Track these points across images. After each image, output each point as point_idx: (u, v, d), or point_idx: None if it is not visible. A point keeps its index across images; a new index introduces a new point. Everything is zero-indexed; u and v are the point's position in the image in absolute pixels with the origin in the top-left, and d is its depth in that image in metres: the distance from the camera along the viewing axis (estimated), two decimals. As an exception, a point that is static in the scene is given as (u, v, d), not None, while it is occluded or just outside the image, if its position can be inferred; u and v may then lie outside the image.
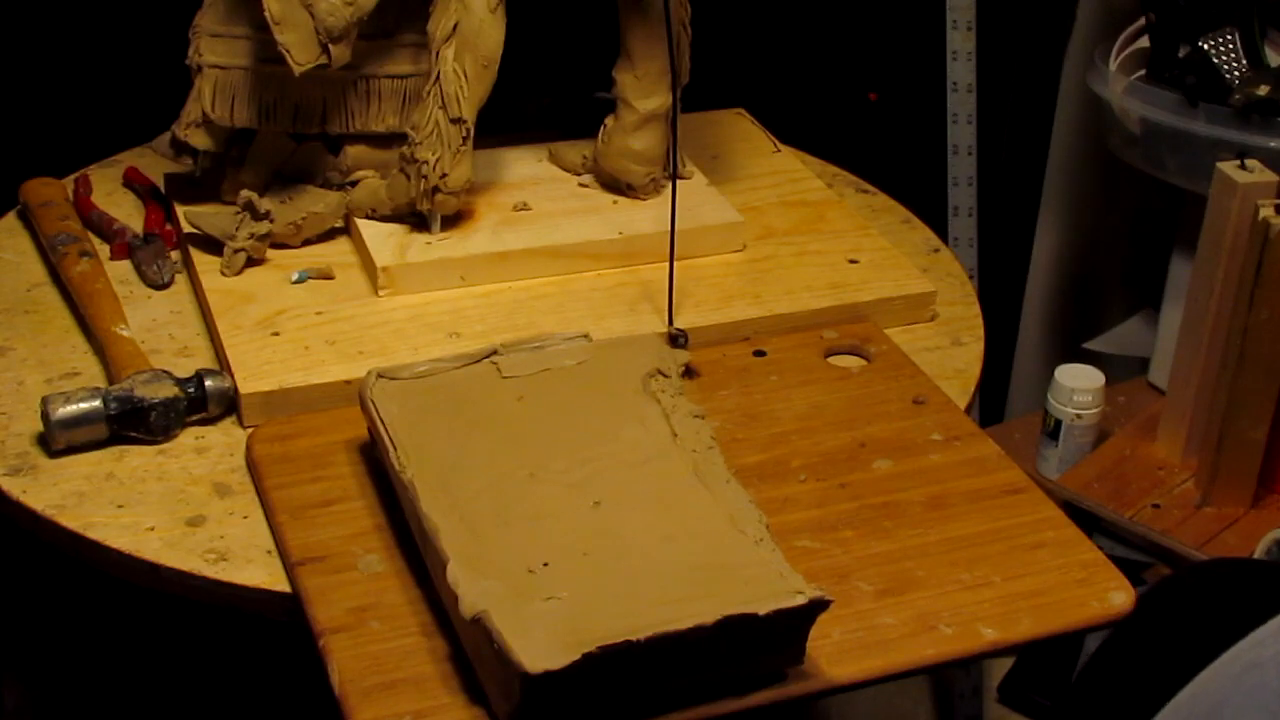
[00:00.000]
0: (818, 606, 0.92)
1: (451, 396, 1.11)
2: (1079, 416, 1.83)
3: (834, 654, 0.97)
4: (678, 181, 1.34)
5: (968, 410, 1.26)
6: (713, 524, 1.00)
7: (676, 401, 1.12)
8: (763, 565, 0.96)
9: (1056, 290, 2.31)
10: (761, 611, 0.90)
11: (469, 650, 0.95)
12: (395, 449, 1.05)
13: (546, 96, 1.62)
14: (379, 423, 1.08)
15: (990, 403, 2.32)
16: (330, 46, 1.30)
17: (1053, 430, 1.84)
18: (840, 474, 1.15)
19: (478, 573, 0.93)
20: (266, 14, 1.27)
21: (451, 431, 1.08)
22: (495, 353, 1.15)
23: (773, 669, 0.96)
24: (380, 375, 1.12)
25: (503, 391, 1.12)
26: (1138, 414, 1.88)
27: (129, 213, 1.48)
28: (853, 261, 1.43)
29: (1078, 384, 1.83)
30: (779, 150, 1.65)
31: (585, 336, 1.18)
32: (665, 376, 1.15)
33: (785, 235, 1.47)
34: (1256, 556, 1.61)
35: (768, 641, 0.94)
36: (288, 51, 1.29)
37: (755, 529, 0.99)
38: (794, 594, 0.92)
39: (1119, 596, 1.04)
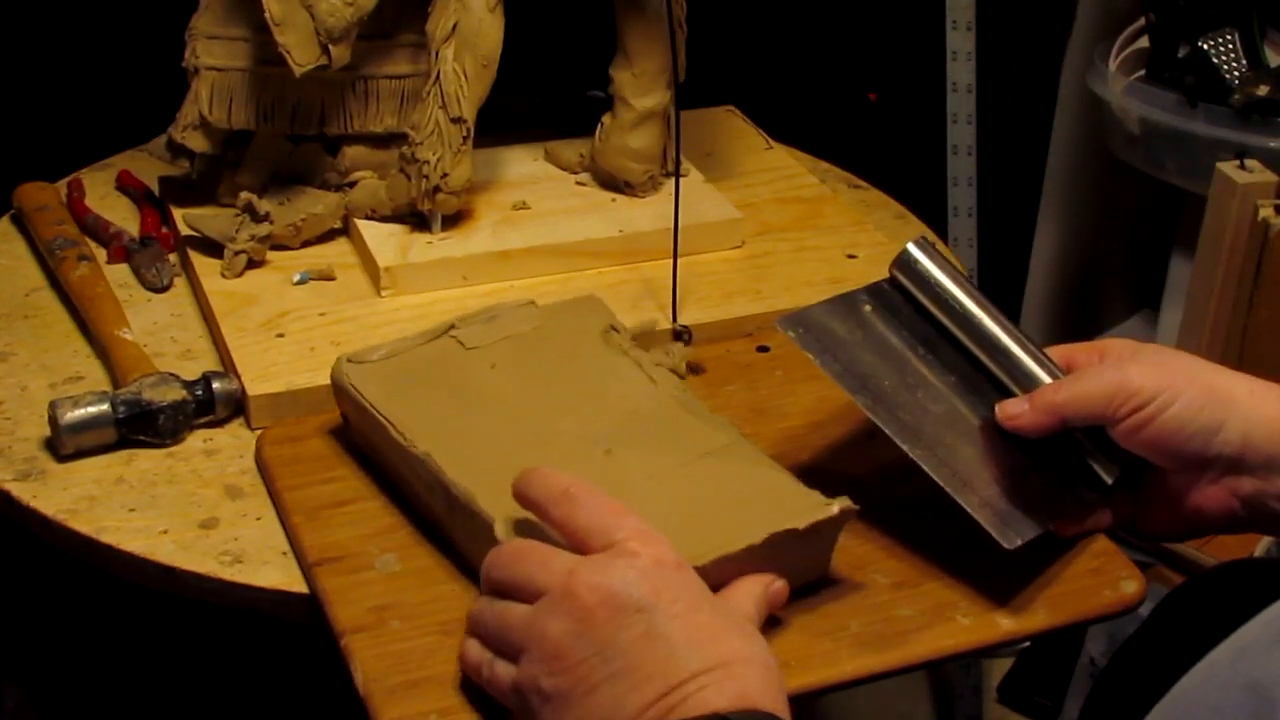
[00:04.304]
0: (847, 514, 0.98)
1: (426, 372, 1.13)
2: (1078, 415, 1.83)
3: (854, 646, 0.97)
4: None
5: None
6: (721, 455, 1.05)
7: (639, 354, 1.16)
8: (782, 486, 1.02)
9: (1056, 290, 2.31)
10: (801, 526, 0.95)
11: None
12: (395, 426, 1.05)
13: (536, 95, 1.62)
14: (366, 405, 1.08)
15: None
16: (330, 47, 1.29)
17: (1052, 429, 1.84)
18: (852, 468, 1.14)
19: (524, 526, 0.94)
20: (266, 15, 1.27)
21: (439, 404, 1.09)
22: (453, 327, 1.17)
23: (804, 582, 1.00)
24: (349, 360, 1.13)
25: (473, 361, 1.14)
26: (1137, 413, 1.88)
27: (123, 216, 1.47)
28: (851, 256, 1.43)
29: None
30: (771, 147, 1.65)
31: (532, 303, 1.20)
32: (618, 331, 1.18)
33: (783, 231, 1.48)
34: (1256, 556, 1.61)
35: (800, 555, 0.99)
36: (288, 52, 1.28)
37: (758, 455, 1.05)
38: (826, 506, 0.98)
39: (1131, 585, 1.05)
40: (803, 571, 1.00)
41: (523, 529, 0.94)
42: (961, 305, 1.09)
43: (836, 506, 0.97)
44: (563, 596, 0.84)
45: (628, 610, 0.82)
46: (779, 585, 0.93)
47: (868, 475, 1.13)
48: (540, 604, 0.85)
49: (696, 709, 0.79)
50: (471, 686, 0.92)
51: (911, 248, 1.10)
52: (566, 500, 0.88)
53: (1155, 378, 0.99)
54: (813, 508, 0.98)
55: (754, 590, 0.92)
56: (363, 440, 1.12)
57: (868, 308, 1.11)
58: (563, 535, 0.89)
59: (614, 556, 0.85)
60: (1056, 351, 1.07)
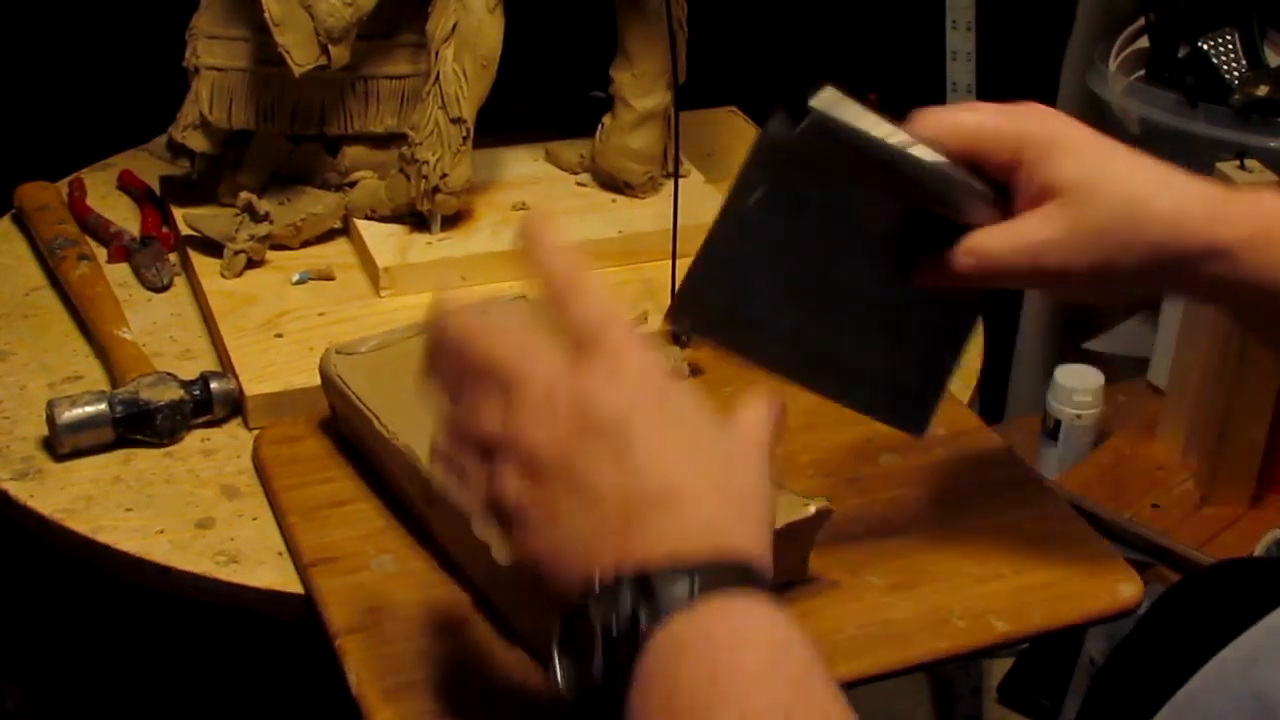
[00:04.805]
0: (824, 515, 0.97)
1: (413, 364, 1.11)
2: (1079, 416, 1.83)
3: (849, 648, 0.97)
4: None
5: (968, 407, 1.26)
6: None
7: None
8: None
9: (1056, 290, 2.30)
10: (777, 526, 0.92)
11: (500, 601, 0.96)
12: (378, 419, 1.05)
13: (538, 96, 1.62)
14: (352, 396, 1.08)
15: (990, 403, 2.32)
16: (330, 47, 1.29)
17: (1052, 430, 1.84)
18: (848, 469, 1.14)
19: None
20: (266, 15, 1.27)
21: (424, 397, 1.08)
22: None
23: (781, 583, 0.99)
24: (338, 351, 1.13)
25: None
26: (1138, 414, 1.88)
27: (124, 215, 1.47)
28: (852, 258, 1.43)
29: (1077, 384, 1.83)
30: (773, 148, 1.64)
31: (524, 298, 1.19)
32: None
33: (784, 232, 1.47)
34: (1254, 555, 1.61)
35: (777, 556, 0.95)
36: (287, 53, 1.29)
37: None
38: (803, 506, 0.97)
39: (1127, 588, 1.04)
40: (780, 572, 0.99)
41: None
42: (889, 156, 0.93)
43: (813, 507, 0.97)
44: (543, 400, 0.75)
45: (601, 430, 0.74)
46: (780, 403, 0.85)
47: (867, 476, 1.13)
48: (518, 401, 0.76)
49: (657, 546, 0.72)
50: (466, 687, 0.92)
51: (822, 109, 0.94)
52: (568, 284, 0.79)
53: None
54: (788, 508, 0.97)
55: (761, 413, 0.82)
56: (349, 432, 1.12)
57: (757, 200, 0.94)
58: (555, 315, 0.80)
59: (599, 363, 0.76)
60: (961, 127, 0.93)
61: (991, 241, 0.91)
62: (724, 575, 0.70)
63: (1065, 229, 0.89)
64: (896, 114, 0.96)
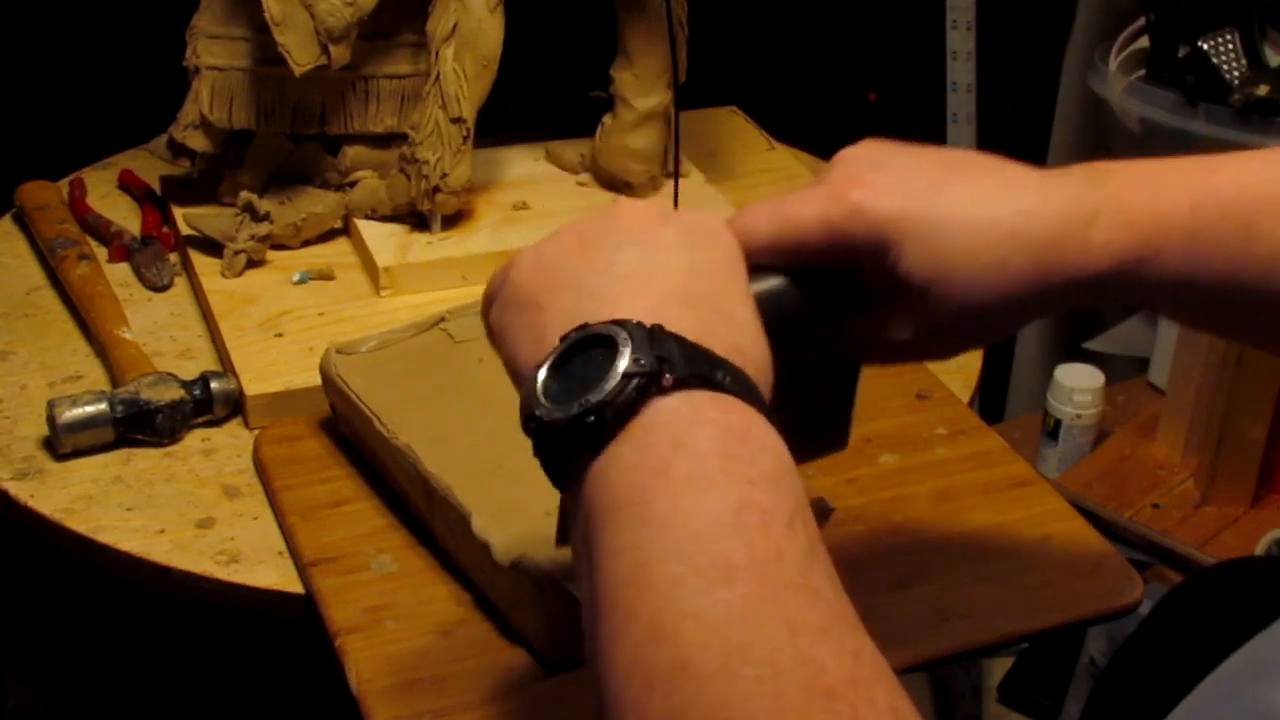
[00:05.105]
0: (824, 515, 0.97)
1: (413, 364, 1.13)
2: (1079, 416, 1.83)
3: (850, 648, 0.97)
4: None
5: (969, 406, 1.26)
6: None
7: None
8: None
9: (1055, 289, 2.30)
10: None
11: (500, 600, 0.96)
12: (379, 418, 1.05)
13: (535, 96, 1.62)
14: (352, 396, 1.08)
15: (990, 402, 2.32)
16: (330, 47, 1.29)
17: (1053, 430, 1.84)
18: (848, 469, 1.14)
19: (501, 522, 0.94)
20: (266, 15, 1.27)
21: (424, 397, 1.09)
22: (443, 319, 1.17)
23: None
24: (339, 351, 1.13)
25: (461, 355, 1.13)
26: (1138, 414, 1.88)
27: (125, 215, 1.47)
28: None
29: (1078, 384, 1.83)
30: (773, 148, 1.65)
31: None
32: None
33: (784, 232, 1.47)
34: (1256, 555, 1.60)
35: None
36: (288, 52, 1.29)
37: None
38: None
39: (1128, 587, 1.04)
40: None
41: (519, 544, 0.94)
42: None
43: (813, 506, 0.96)
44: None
45: (594, 238, 0.73)
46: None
47: (867, 475, 1.13)
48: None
49: (606, 315, 0.69)
50: (466, 686, 0.92)
51: None
52: None
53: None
54: None
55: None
56: (349, 431, 1.12)
57: None
58: None
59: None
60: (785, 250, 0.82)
61: (856, 342, 0.85)
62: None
63: (925, 325, 0.82)
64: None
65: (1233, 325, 0.89)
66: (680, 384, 0.65)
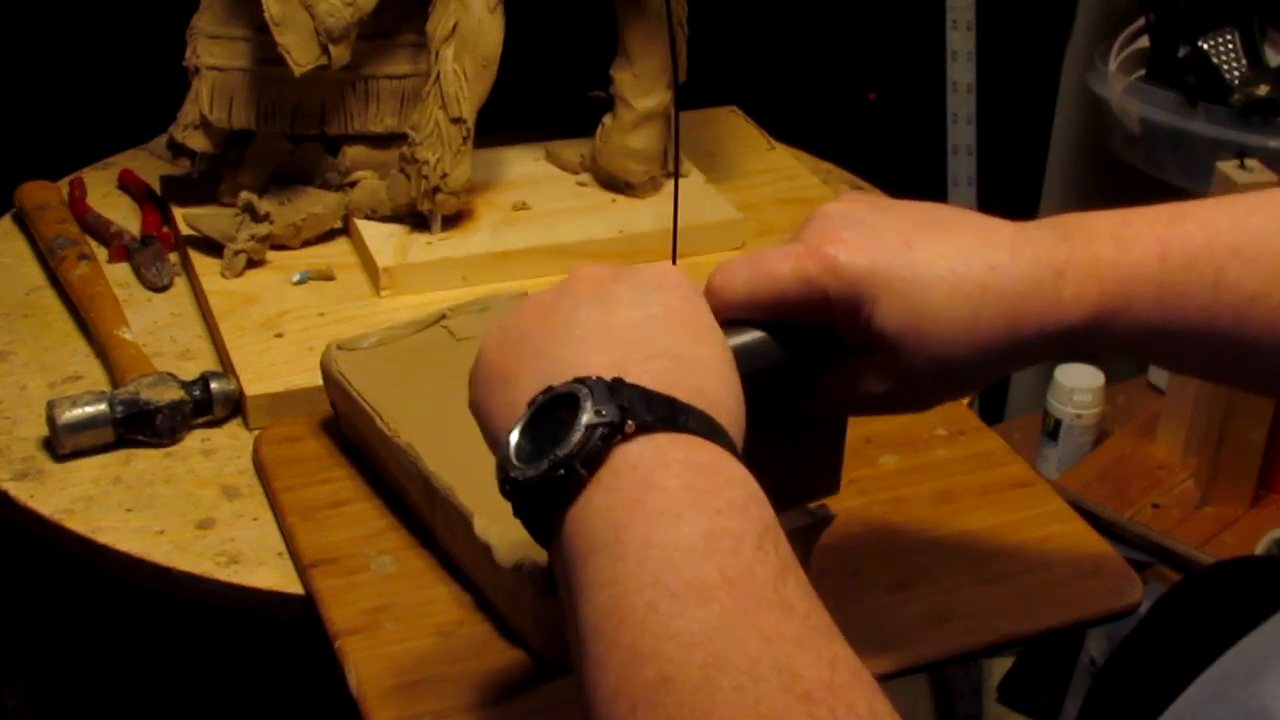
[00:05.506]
0: (825, 522, 0.96)
1: (414, 362, 1.12)
2: (1079, 416, 1.83)
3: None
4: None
5: (969, 407, 1.26)
6: None
7: None
8: None
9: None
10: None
11: (500, 602, 0.96)
12: (380, 416, 1.05)
13: (535, 96, 1.62)
14: (353, 393, 1.08)
15: (990, 403, 2.32)
16: (330, 47, 1.29)
17: (1053, 430, 1.84)
18: (848, 470, 1.13)
19: (503, 523, 0.94)
20: (266, 15, 1.27)
21: (425, 395, 1.08)
22: (444, 317, 1.17)
23: None
24: (340, 347, 1.13)
25: (462, 353, 1.13)
26: (1138, 414, 1.89)
27: (124, 215, 1.47)
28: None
29: (1077, 384, 1.83)
30: (773, 148, 1.65)
31: (525, 294, 1.19)
32: None
33: (784, 232, 1.46)
34: (1255, 555, 1.61)
35: None
36: (288, 53, 1.28)
37: None
38: (801, 514, 0.95)
39: (1129, 588, 1.04)
40: None
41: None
42: None
43: (814, 513, 0.96)
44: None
45: (552, 305, 0.76)
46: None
47: (867, 476, 1.13)
48: None
49: (569, 375, 0.71)
50: (466, 688, 0.92)
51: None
52: None
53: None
54: (789, 515, 0.96)
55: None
56: (350, 430, 1.12)
57: None
58: None
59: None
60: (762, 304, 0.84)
61: (833, 394, 0.86)
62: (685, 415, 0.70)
63: (899, 378, 0.83)
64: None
65: (1211, 371, 0.90)
66: (643, 429, 0.67)
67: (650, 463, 0.67)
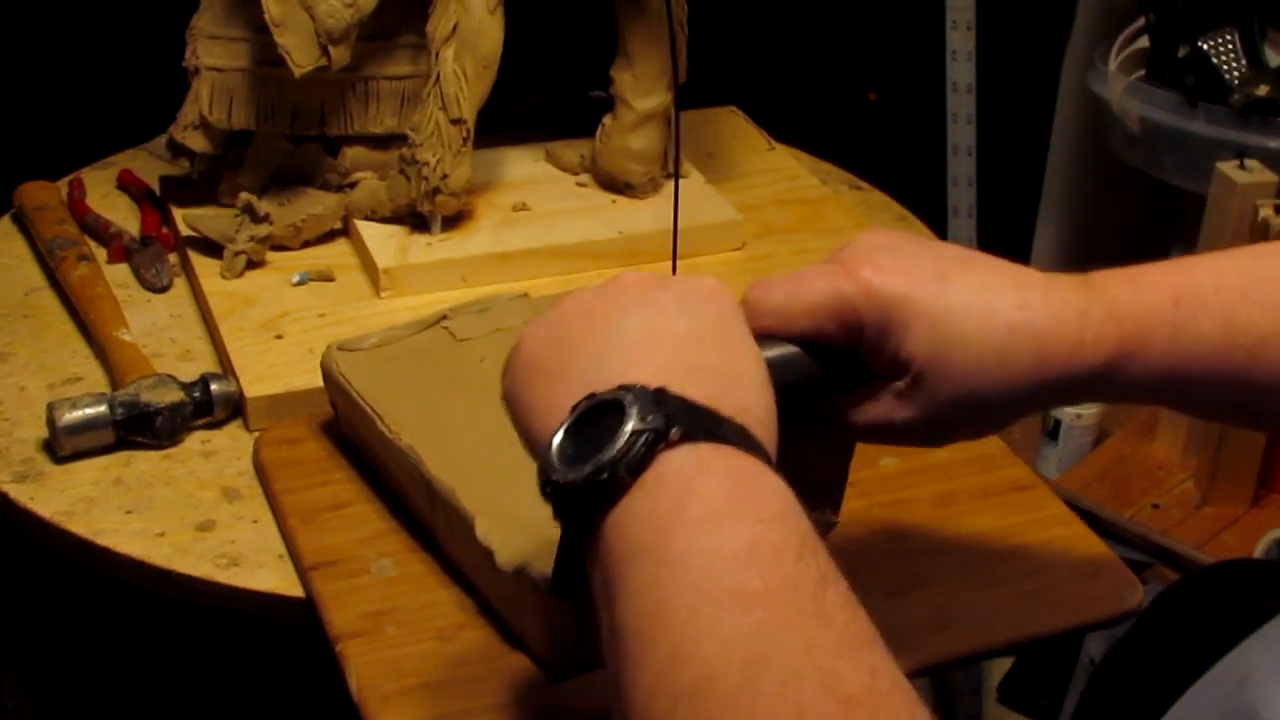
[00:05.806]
0: (827, 528, 0.96)
1: (415, 363, 1.12)
2: (1079, 416, 1.83)
3: (850, 653, 0.97)
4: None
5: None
6: None
7: None
8: None
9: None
10: None
11: (502, 606, 0.96)
12: (381, 418, 1.05)
13: (535, 96, 1.62)
14: (354, 395, 1.08)
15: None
16: (330, 48, 1.29)
17: (1052, 430, 1.84)
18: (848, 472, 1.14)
19: (505, 527, 0.94)
20: (266, 16, 1.27)
21: (426, 396, 1.08)
22: (445, 317, 1.17)
23: None
24: (340, 348, 1.13)
25: (463, 354, 1.13)
26: (1137, 414, 1.88)
27: (124, 215, 1.47)
28: (853, 260, 1.42)
29: (1076, 383, 1.83)
30: (773, 148, 1.65)
31: (525, 295, 1.20)
32: None
33: (784, 233, 1.47)
34: (1256, 556, 1.61)
35: None
36: (288, 54, 1.28)
37: None
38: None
39: (1129, 592, 1.04)
40: None
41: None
42: None
43: (816, 520, 0.96)
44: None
45: (599, 308, 0.77)
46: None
47: (867, 479, 1.13)
48: None
49: (614, 382, 0.72)
50: (467, 692, 0.92)
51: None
52: None
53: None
54: None
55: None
56: (350, 432, 1.12)
57: None
58: None
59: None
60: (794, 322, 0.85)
61: (854, 418, 0.87)
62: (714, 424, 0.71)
63: (922, 408, 0.85)
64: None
65: (1226, 413, 0.93)
66: (686, 438, 0.68)
67: (693, 470, 0.68)
